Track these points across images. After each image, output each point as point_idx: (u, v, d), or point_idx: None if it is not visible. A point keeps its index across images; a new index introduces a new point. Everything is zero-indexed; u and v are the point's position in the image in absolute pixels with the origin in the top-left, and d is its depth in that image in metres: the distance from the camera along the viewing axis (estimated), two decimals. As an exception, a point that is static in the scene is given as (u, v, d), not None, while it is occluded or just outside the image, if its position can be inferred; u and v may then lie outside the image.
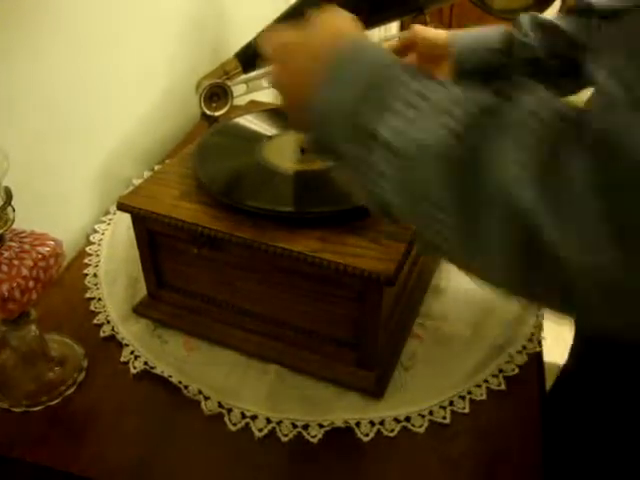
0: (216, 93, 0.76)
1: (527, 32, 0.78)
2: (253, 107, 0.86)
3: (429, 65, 0.81)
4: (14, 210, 0.58)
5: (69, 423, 0.63)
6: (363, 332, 0.63)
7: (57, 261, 0.61)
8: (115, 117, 0.95)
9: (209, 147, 0.73)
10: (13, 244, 0.59)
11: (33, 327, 0.64)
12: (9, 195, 0.56)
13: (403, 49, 0.82)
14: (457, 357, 0.70)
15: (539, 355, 0.72)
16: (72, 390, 0.66)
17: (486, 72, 0.80)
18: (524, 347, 0.71)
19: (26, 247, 0.59)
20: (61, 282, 0.80)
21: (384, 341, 0.67)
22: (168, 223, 0.63)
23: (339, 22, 0.49)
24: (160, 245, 0.69)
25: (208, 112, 0.74)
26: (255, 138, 0.74)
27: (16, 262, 0.57)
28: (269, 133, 0.75)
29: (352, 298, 0.61)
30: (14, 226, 0.59)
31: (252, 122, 0.78)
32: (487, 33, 0.81)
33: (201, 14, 1.17)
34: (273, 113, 0.81)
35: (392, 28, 1.89)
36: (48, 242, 0.61)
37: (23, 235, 0.60)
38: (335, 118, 0.43)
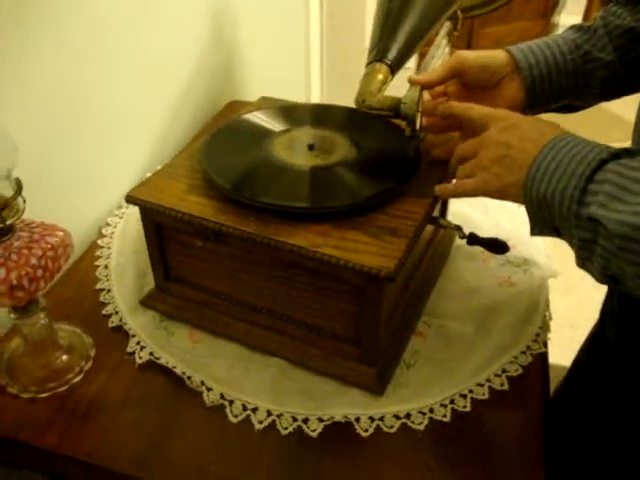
0: None
1: (604, 45, 0.70)
2: (263, 103, 0.86)
3: (477, 94, 0.72)
4: (24, 201, 0.59)
5: (75, 410, 0.65)
6: (364, 328, 0.64)
7: (65, 251, 0.62)
8: (132, 111, 0.96)
9: (217, 142, 0.74)
10: (23, 234, 0.60)
11: (42, 315, 0.65)
12: (19, 186, 0.58)
13: (447, 79, 0.72)
14: (460, 356, 0.70)
15: (544, 356, 0.71)
16: (79, 378, 0.67)
17: (558, 96, 0.73)
18: (529, 347, 0.70)
19: (35, 237, 0.60)
20: (73, 273, 0.82)
21: (386, 338, 0.67)
22: (175, 216, 0.64)
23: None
24: (167, 238, 0.70)
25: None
26: (263, 134, 0.75)
27: (25, 251, 0.59)
28: (277, 129, 0.76)
29: (353, 294, 0.61)
30: (25, 216, 0.60)
31: (261, 118, 0.79)
32: (555, 52, 0.71)
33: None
34: (282, 110, 0.81)
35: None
36: (57, 232, 0.62)
37: (33, 225, 0.62)
38: (555, 202, 0.53)
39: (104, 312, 0.75)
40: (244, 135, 0.76)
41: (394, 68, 0.68)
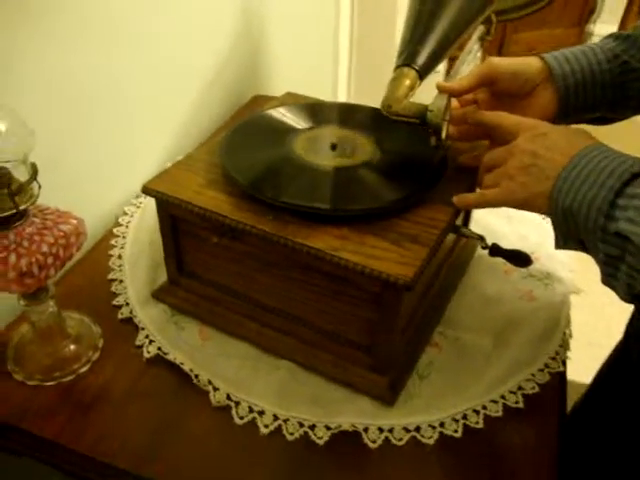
0: None
1: None
2: (288, 99, 0.85)
3: (507, 103, 0.69)
4: (40, 186, 0.58)
5: (79, 401, 0.64)
6: (378, 336, 0.62)
7: (78, 239, 0.61)
8: (155, 101, 0.95)
9: (238, 137, 0.72)
10: (36, 220, 0.59)
11: (51, 303, 0.64)
12: (35, 170, 0.57)
13: (477, 87, 0.69)
14: (475, 370, 0.67)
15: (562, 375, 0.69)
16: (85, 368, 0.67)
17: (592, 107, 0.70)
18: (547, 365, 0.68)
19: (49, 224, 0.59)
20: (86, 262, 0.81)
21: (401, 347, 0.65)
22: (191, 210, 0.63)
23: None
24: (182, 231, 0.69)
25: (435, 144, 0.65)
26: (285, 131, 0.73)
27: (37, 238, 0.57)
28: (300, 127, 0.74)
29: (369, 300, 0.59)
30: (40, 202, 0.59)
31: (284, 115, 0.77)
32: (592, 61, 0.68)
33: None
34: (306, 107, 0.80)
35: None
36: (71, 220, 0.61)
37: (47, 212, 0.61)
38: (581, 214, 0.51)
39: (115, 303, 0.74)
40: (266, 131, 0.74)
41: (422, 74, 0.66)
